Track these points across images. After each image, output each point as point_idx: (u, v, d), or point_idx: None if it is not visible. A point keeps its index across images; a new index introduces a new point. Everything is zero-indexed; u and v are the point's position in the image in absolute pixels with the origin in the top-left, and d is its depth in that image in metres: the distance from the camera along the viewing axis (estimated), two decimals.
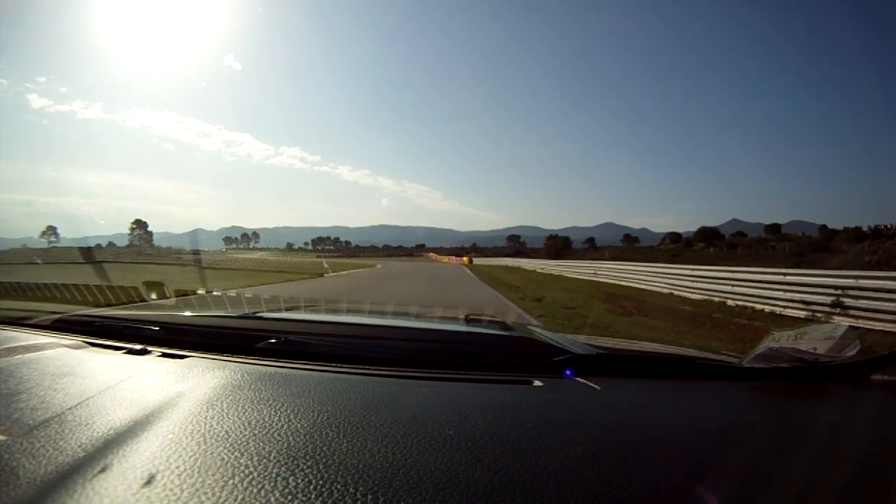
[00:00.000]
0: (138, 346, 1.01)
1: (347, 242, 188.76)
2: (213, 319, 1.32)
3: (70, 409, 0.67)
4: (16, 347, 1.01)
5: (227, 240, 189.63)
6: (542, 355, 0.96)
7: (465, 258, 59.53)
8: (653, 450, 0.58)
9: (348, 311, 2.00)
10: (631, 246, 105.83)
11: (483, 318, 1.64)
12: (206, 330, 1.19)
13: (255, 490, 0.46)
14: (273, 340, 1.05)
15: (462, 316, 1.65)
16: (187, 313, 1.49)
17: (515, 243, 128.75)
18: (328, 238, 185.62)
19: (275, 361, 0.95)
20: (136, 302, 2.28)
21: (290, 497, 0.45)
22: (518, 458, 0.54)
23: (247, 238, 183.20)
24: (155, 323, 1.18)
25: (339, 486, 0.47)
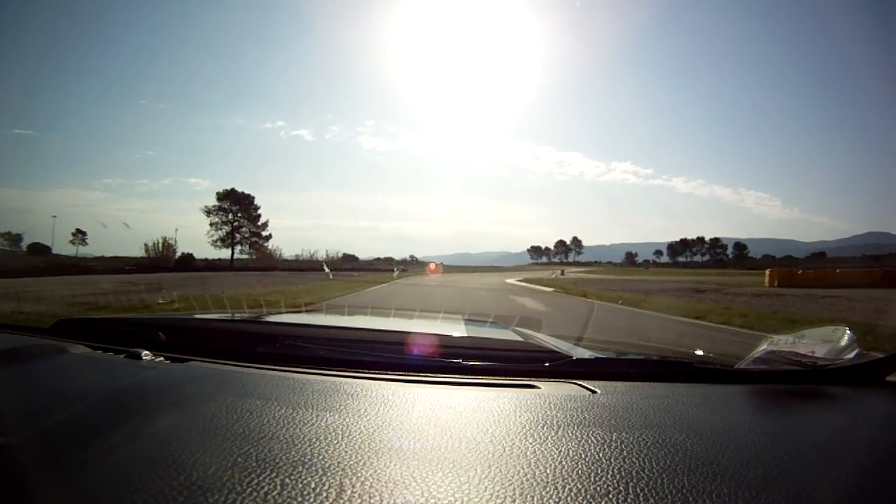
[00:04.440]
0: (139, 350, 1.00)
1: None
2: (214, 323, 1.37)
3: (70, 413, 0.66)
4: (16, 350, 1.00)
5: (535, 250, 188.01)
6: (542, 359, 0.97)
7: None
8: (651, 453, 0.58)
9: (349, 315, 1.98)
10: None
11: (484, 322, 1.70)
12: (207, 334, 1.22)
13: (254, 494, 0.47)
14: (274, 344, 1.06)
15: (463, 320, 1.70)
16: (189, 316, 1.59)
17: None
18: (694, 242, 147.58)
19: (276, 366, 0.94)
20: None
21: (289, 501, 0.46)
22: (518, 462, 0.55)
23: (564, 249, 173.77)
24: (156, 327, 1.20)
25: (336, 491, 0.48)
